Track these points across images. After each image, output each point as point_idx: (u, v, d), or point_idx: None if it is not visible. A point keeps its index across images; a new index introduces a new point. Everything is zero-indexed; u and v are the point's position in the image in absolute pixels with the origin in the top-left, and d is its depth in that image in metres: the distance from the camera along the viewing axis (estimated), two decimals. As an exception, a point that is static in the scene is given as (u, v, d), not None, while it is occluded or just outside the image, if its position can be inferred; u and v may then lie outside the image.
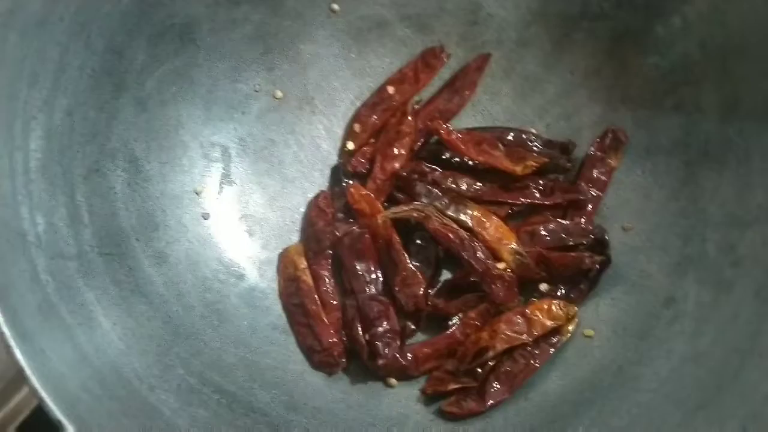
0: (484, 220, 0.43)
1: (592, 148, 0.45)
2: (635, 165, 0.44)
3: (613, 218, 0.44)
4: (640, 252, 0.42)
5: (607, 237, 0.42)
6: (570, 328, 0.41)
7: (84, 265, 0.36)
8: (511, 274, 0.42)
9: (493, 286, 0.41)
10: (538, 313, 0.41)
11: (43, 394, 0.29)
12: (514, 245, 0.42)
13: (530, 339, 0.40)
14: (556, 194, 0.44)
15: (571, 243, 0.43)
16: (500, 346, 0.40)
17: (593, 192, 0.44)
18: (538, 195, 0.44)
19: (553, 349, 0.40)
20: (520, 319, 0.40)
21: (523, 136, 0.46)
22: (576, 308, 0.41)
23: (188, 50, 0.43)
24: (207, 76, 0.44)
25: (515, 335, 0.40)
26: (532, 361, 0.40)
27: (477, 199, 0.44)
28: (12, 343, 0.29)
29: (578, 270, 0.42)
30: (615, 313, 0.41)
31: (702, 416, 0.34)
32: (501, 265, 0.42)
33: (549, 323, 0.40)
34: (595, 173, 0.45)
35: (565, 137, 0.46)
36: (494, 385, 0.40)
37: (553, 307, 0.41)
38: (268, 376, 0.40)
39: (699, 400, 0.35)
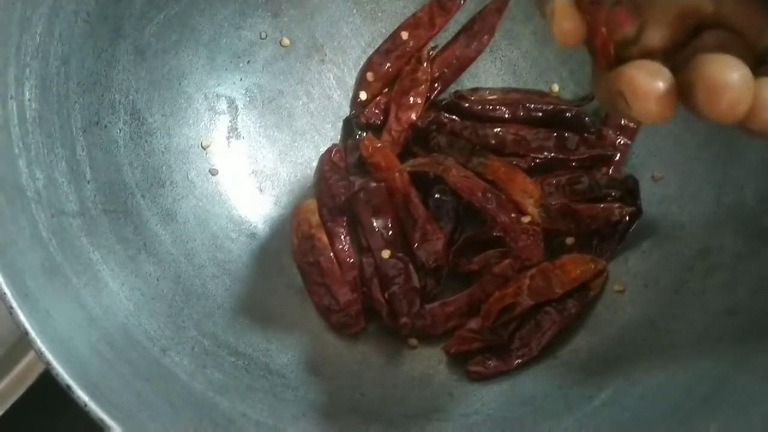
0: (507, 171, 0.41)
1: (620, 94, 0.42)
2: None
3: (642, 167, 0.42)
4: (672, 202, 0.40)
5: (638, 187, 0.40)
6: (599, 282, 0.39)
7: (87, 222, 0.34)
8: (536, 227, 0.40)
9: (518, 241, 0.39)
10: (564, 268, 0.39)
11: (50, 358, 0.27)
12: (538, 198, 0.40)
13: (556, 295, 0.38)
14: (581, 149, 0.42)
15: (599, 194, 0.41)
16: (526, 303, 0.38)
17: (622, 140, 0.42)
18: (562, 150, 0.42)
19: (581, 306, 0.39)
20: (545, 275, 0.39)
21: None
22: (604, 262, 0.40)
23: (189, -6, 0.40)
24: (209, 22, 0.42)
25: (541, 292, 0.38)
26: (559, 319, 0.38)
27: (499, 151, 0.42)
28: (14, 303, 0.28)
29: (607, 222, 0.40)
30: (646, 267, 0.40)
31: (745, 368, 0.33)
32: (525, 219, 0.40)
33: (576, 279, 0.39)
34: (623, 120, 0.42)
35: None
36: (520, 343, 0.38)
37: (580, 262, 0.39)
38: (285, 337, 0.38)
39: (738, 355, 0.33)
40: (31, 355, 0.39)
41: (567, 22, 0.24)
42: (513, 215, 0.40)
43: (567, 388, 0.36)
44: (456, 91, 0.44)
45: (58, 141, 0.34)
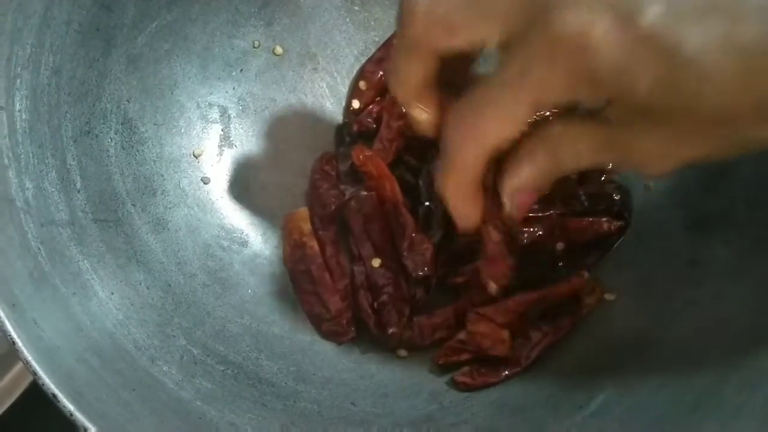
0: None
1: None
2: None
3: (634, 177, 0.42)
4: (663, 211, 0.40)
5: (630, 199, 0.40)
6: (592, 299, 0.39)
7: (77, 231, 0.34)
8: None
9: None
10: (560, 295, 0.38)
11: (36, 367, 0.27)
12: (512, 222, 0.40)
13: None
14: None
15: (590, 207, 0.41)
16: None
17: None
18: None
19: (572, 323, 0.39)
20: (539, 302, 0.38)
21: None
22: (585, 274, 0.39)
23: (181, 4, 0.41)
24: (202, 31, 0.42)
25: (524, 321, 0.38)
26: (550, 332, 0.38)
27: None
28: (1, 313, 0.28)
29: (596, 235, 0.40)
30: (637, 276, 0.39)
31: (731, 382, 0.32)
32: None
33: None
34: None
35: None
36: (509, 356, 0.38)
37: (574, 289, 0.39)
38: (275, 345, 0.38)
39: (725, 366, 0.33)
40: (17, 368, 0.40)
41: (421, 115, 0.26)
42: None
43: (556, 397, 0.36)
44: None
45: (49, 151, 0.34)
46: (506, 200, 0.28)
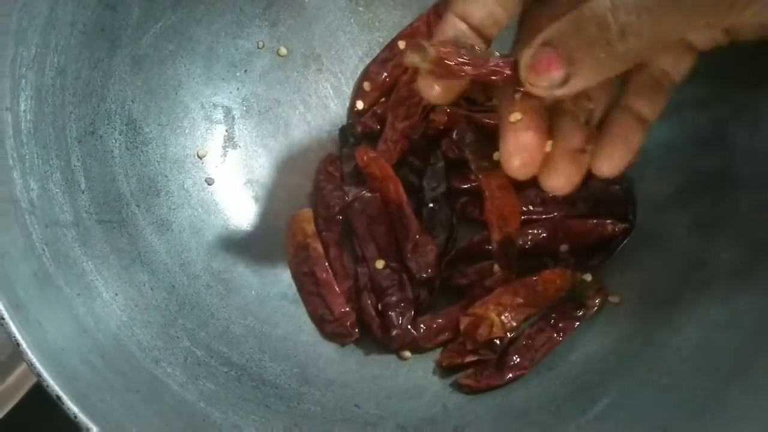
0: (500, 194, 0.40)
1: (618, 105, 0.42)
2: (663, 121, 0.41)
3: (638, 177, 0.42)
4: (668, 213, 0.40)
5: (634, 202, 0.40)
6: (596, 301, 0.39)
7: (82, 232, 0.34)
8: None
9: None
10: (543, 284, 0.39)
11: (40, 369, 0.27)
12: (512, 231, 0.40)
13: (535, 312, 0.38)
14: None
15: (594, 209, 0.41)
16: (509, 326, 0.38)
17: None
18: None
19: (577, 323, 0.38)
20: (524, 291, 0.39)
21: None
22: (584, 276, 0.40)
23: (186, 4, 0.40)
24: (207, 32, 0.42)
25: (520, 311, 0.38)
26: (554, 335, 0.38)
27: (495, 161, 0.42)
28: (5, 314, 0.28)
29: (600, 237, 0.40)
30: (641, 278, 0.39)
31: (736, 386, 0.32)
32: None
33: (555, 293, 0.39)
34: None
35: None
36: (514, 358, 0.38)
37: (558, 279, 0.39)
38: (279, 347, 0.38)
39: (733, 369, 0.33)
40: (20, 370, 0.40)
41: (430, 90, 0.26)
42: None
43: (560, 400, 0.36)
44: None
45: (53, 151, 0.34)
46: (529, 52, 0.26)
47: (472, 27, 0.28)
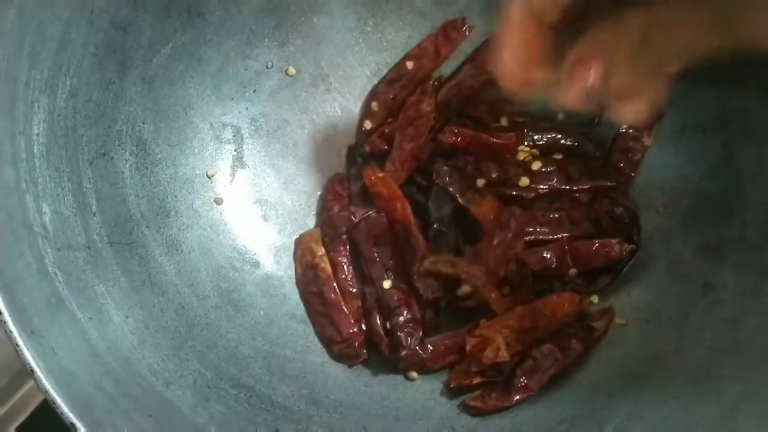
0: (496, 221, 0.41)
1: (624, 126, 0.42)
2: (669, 143, 0.42)
3: (645, 200, 0.42)
4: (675, 235, 0.40)
5: (638, 222, 0.40)
6: (604, 323, 0.39)
7: (93, 255, 0.34)
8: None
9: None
10: (551, 308, 0.39)
11: (55, 396, 0.27)
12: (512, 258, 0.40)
13: (542, 335, 0.39)
14: (583, 180, 0.42)
15: (599, 231, 0.41)
16: (516, 349, 0.38)
17: (625, 171, 0.42)
18: (564, 180, 0.42)
19: (584, 347, 0.39)
20: (531, 314, 0.39)
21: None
22: (591, 298, 0.40)
23: (196, 25, 0.41)
24: (216, 52, 0.42)
25: (527, 334, 0.38)
26: (562, 357, 0.38)
27: (501, 182, 0.42)
28: (20, 341, 0.28)
29: (607, 259, 0.40)
30: (649, 300, 0.40)
31: (744, 409, 0.32)
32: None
33: (563, 317, 0.39)
34: (627, 152, 0.42)
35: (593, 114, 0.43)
36: (521, 379, 0.38)
37: (566, 303, 0.39)
38: (287, 368, 0.39)
39: (741, 393, 0.33)
40: (25, 388, 0.39)
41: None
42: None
43: (568, 423, 0.36)
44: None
45: (65, 174, 0.34)
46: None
47: None
